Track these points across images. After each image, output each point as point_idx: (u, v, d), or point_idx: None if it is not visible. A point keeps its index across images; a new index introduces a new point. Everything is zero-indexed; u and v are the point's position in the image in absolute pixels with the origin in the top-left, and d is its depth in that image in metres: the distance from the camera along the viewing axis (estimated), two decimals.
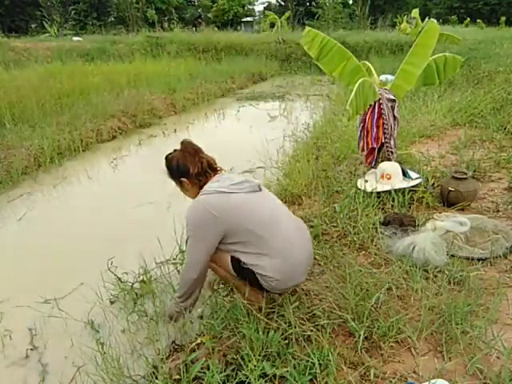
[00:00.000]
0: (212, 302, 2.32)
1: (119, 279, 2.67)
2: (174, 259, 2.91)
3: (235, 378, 1.65)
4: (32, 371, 2.11)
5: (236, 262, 1.97)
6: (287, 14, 18.66)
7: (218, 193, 1.92)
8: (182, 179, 2.06)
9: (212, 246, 1.95)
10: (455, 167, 3.75)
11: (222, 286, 2.49)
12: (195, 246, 1.96)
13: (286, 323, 1.89)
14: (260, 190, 2.04)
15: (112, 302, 2.56)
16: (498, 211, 3.02)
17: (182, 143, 2.12)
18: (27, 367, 2.14)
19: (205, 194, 1.95)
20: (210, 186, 1.98)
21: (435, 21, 3.32)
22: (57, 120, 6.27)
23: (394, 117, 3.45)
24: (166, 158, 2.13)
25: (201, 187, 2.02)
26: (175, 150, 2.13)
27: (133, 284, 2.65)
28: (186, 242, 2.02)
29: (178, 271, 2.82)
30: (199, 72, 11.66)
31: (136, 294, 2.55)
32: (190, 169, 2.02)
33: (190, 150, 2.09)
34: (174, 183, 2.15)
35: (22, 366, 2.15)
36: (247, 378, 1.62)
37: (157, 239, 2.98)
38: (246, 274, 1.97)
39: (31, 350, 2.24)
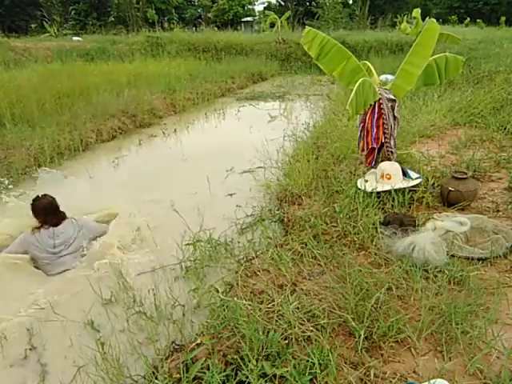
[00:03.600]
0: (212, 302, 2.32)
1: (119, 279, 2.67)
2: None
3: (235, 378, 1.65)
4: (32, 371, 2.10)
5: None
6: (287, 13, 18.58)
7: None
8: None
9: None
10: (455, 167, 3.75)
11: (221, 285, 2.50)
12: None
13: (285, 323, 1.89)
14: None
15: (111, 302, 2.56)
16: (498, 211, 3.02)
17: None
18: (27, 367, 2.14)
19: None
20: None
21: (435, 20, 3.32)
22: (57, 120, 6.26)
23: (394, 117, 3.45)
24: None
25: None
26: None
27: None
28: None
29: (181, 269, 2.83)
30: (199, 72, 11.65)
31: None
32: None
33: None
34: None
35: (22, 366, 2.15)
36: (247, 378, 1.62)
37: (158, 239, 2.99)
38: None
39: (30, 349, 2.24)
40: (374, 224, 2.79)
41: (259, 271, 2.48)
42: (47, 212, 3.15)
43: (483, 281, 2.19)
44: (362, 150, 3.65)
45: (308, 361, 1.66)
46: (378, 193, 3.15)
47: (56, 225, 3.15)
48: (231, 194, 4.19)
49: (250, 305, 2.06)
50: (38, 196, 3.22)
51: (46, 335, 2.33)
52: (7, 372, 2.11)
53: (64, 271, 2.98)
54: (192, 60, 13.98)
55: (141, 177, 4.91)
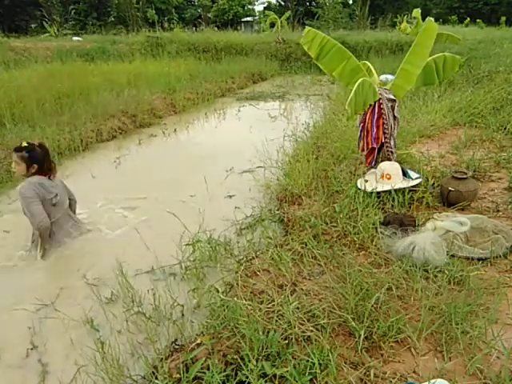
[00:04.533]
0: (212, 302, 2.32)
1: (119, 279, 2.67)
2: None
3: (235, 378, 1.65)
4: (32, 371, 2.10)
5: None
6: (287, 13, 18.57)
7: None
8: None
9: None
10: (455, 167, 3.75)
11: (222, 285, 2.50)
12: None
13: (285, 323, 1.89)
14: None
15: (111, 302, 2.56)
16: (498, 211, 3.02)
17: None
18: (27, 367, 2.13)
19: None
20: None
21: (433, 19, 3.32)
22: (57, 120, 6.26)
23: (394, 117, 3.45)
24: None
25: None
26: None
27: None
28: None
29: (180, 270, 2.83)
30: (199, 72, 11.65)
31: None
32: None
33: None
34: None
35: (22, 366, 2.15)
36: (247, 378, 1.62)
37: (157, 239, 2.98)
38: None
39: (31, 349, 2.23)
40: (373, 224, 2.79)
41: (259, 271, 2.48)
42: (46, 159, 3.12)
43: (483, 281, 2.19)
44: (362, 150, 3.64)
45: (308, 361, 1.66)
46: (378, 193, 3.15)
47: (50, 176, 3.19)
48: (231, 196, 4.18)
49: (249, 305, 2.06)
50: (29, 143, 3.10)
51: (46, 335, 2.33)
52: (7, 372, 2.11)
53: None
54: (192, 60, 13.97)
55: (140, 177, 4.91)
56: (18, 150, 3.06)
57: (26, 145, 3.08)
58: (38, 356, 2.19)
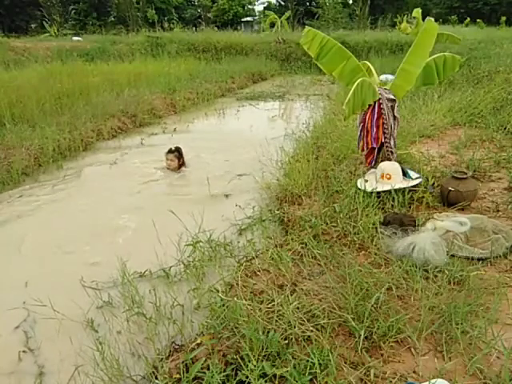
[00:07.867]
0: (212, 301, 2.32)
1: (119, 279, 2.67)
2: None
3: (235, 378, 1.65)
4: (30, 372, 2.10)
5: None
6: (287, 13, 18.61)
7: None
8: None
9: None
10: (455, 167, 3.75)
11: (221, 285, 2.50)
12: None
13: (285, 323, 1.89)
14: None
15: (111, 303, 2.56)
16: (498, 211, 3.02)
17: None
18: (24, 368, 2.12)
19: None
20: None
21: (433, 19, 3.31)
22: (57, 120, 6.26)
23: (394, 116, 3.45)
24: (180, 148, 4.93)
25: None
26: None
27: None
28: None
29: (180, 270, 2.83)
30: (199, 72, 11.65)
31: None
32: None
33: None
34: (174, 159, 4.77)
35: (19, 367, 2.14)
36: (247, 378, 1.62)
37: (157, 240, 2.98)
38: None
39: (23, 352, 2.22)
40: (373, 224, 2.79)
41: (259, 271, 2.48)
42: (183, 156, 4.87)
43: (483, 281, 2.19)
44: (362, 150, 3.65)
45: (308, 361, 1.66)
46: (378, 193, 3.15)
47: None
48: (228, 195, 4.18)
49: (249, 305, 2.06)
50: (174, 147, 4.80)
51: (44, 336, 2.33)
52: (4, 372, 2.11)
53: None
54: (192, 60, 13.99)
55: (140, 177, 4.90)
56: (172, 151, 4.72)
57: (173, 148, 4.75)
58: (34, 358, 2.19)
